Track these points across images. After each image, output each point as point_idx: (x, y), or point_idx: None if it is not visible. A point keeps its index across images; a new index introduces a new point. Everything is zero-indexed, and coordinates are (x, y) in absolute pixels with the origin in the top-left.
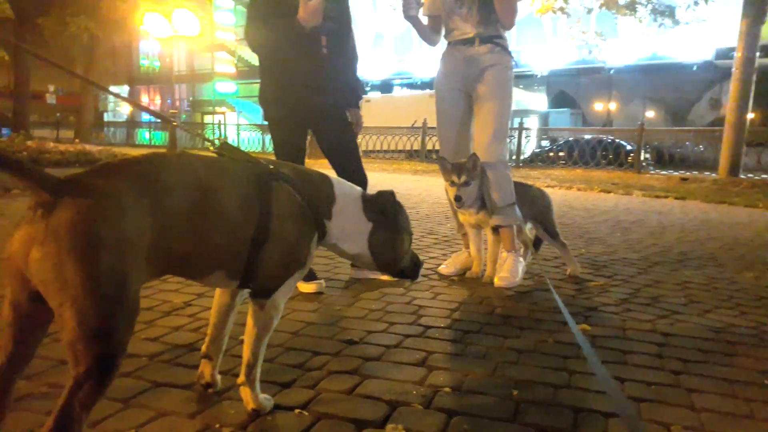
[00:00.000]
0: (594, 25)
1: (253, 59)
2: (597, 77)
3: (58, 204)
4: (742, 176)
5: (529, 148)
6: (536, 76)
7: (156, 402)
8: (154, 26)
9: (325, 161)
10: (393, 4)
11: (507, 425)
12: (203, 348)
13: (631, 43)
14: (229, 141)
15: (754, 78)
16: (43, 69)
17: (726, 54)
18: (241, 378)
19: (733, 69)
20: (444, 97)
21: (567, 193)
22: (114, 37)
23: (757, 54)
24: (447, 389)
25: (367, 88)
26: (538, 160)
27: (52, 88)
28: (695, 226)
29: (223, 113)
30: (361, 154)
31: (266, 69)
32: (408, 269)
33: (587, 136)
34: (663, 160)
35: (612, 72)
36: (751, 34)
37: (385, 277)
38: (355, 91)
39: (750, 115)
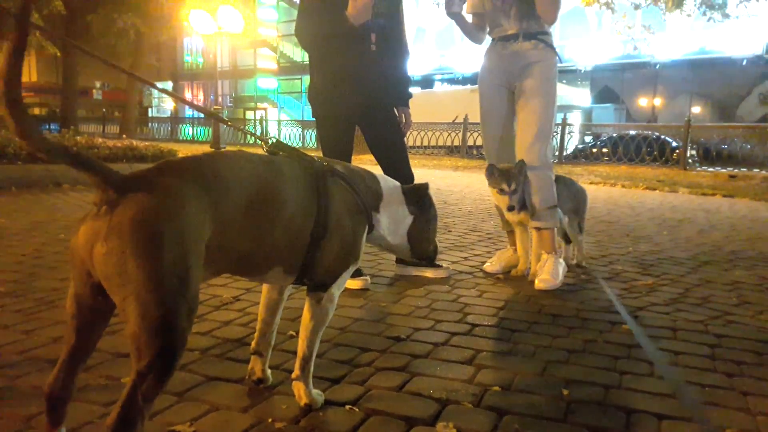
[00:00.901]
0: (640, 19)
1: (295, 55)
2: (642, 72)
3: (122, 201)
4: None
5: (571, 144)
6: (580, 71)
7: (209, 396)
8: (198, 23)
9: (370, 157)
10: (436, 0)
11: (558, 425)
12: (253, 344)
13: (678, 38)
14: (273, 137)
15: None
16: (89, 65)
17: None
18: (296, 372)
19: None
20: (487, 94)
21: (611, 191)
22: (159, 34)
23: None
24: (496, 388)
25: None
26: (582, 156)
27: (98, 84)
28: (745, 224)
29: (265, 109)
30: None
31: (315, 66)
32: (430, 254)
33: (632, 132)
34: (710, 156)
35: (657, 67)
36: None
37: (429, 274)
38: (404, 88)
39: None
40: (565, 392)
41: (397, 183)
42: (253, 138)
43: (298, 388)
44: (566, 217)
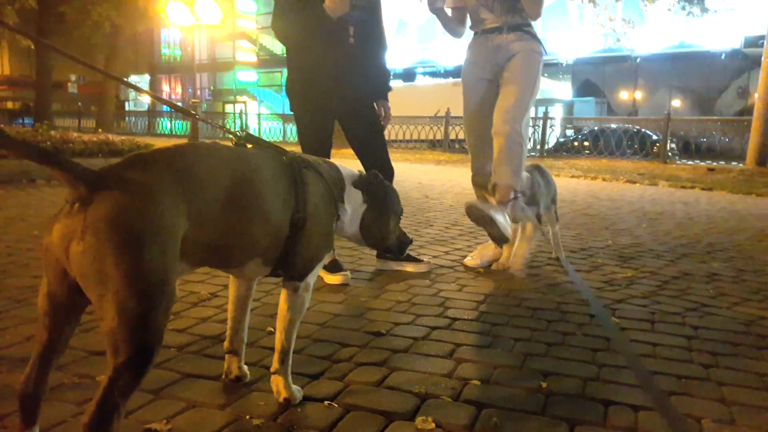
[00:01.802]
0: (620, 12)
1: (275, 48)
2: (623, 66)
3: (95, 198)
4: None
5: (553, 137)
6: (561, 64)
7: (186, 393)
8: (175, 14)
9: (350, 151)
10: None
11: (537, 418)
12: (226, 344)
13: (658, 32)
14: (251, 130)
15: None
16: (64, 58)
17: (755, 42)
18: (275, 366)
19: (763, 57)
20: (470, 87)
21: (592, 184)
22: (136, 26)
23: None
24: (476, 381)
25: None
26: (563, 149)
27: (73, 77)
28: (722, 217)
29: (244, 102)
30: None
31: (293, 60)
32: (394, 246)
33: (612, 126)
34: (689, 150)
35: (638, 60)
36: None
37: (410, 268)
38: (383, 82)
39: None
40: (544, 385)
41: (356, 171)
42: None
43: (277, 382)
44: (543, 208)
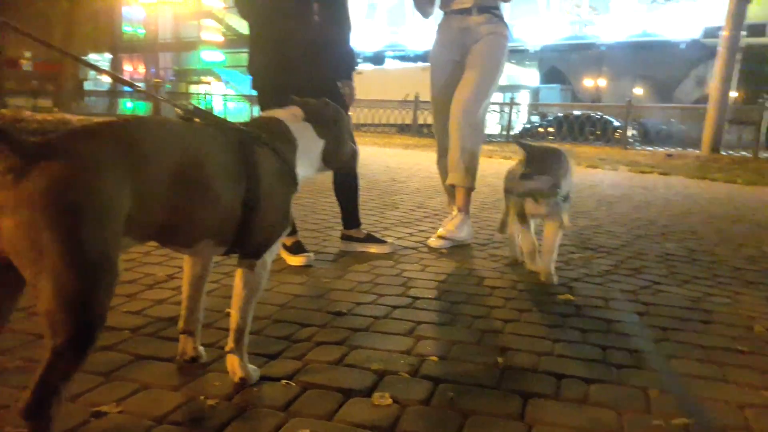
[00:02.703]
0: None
1: (242, 27)
2: (588, 53)
3: (31, 169)
4: (723, 153)
5: (519, 123)
6: (528, 51)
7: (138, 375)
8: None
9: None
10: None
11: (492, 391)
12: (181, 324)
13: (623, 20)
14: (217, 112)
15: (738, 57)
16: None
17: (714, 33)
18: (230, 345)
19: (718, 47)
20: (438, 68)
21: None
22: (95, 2)
23: (743, 33)
24: (434, 358)
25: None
26: (528, 135)
27: (28, 54)
28: (678, 200)
29: (210, 83)
30: (352, 127)
31: (255, 37)
32: (348, 163)
33: (576, 112)
34: (649, 136)
35: (603, 48)
36: (737, 13)
37: (374, 249)
38: (347, 61)
39: (734, 94)
40: (500, 360)
41: (299, 112)
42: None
43: (233, 361)
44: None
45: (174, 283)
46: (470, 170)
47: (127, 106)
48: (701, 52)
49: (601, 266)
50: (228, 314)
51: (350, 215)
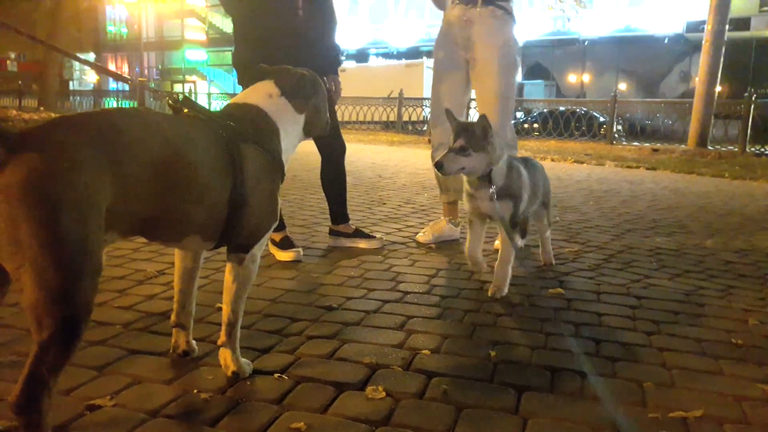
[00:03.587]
0: None
1: (225, 26)
2: (571, 49)
3: (10, 160)
4: (710, 147)
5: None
6: None
7: (131, 369)
8: None
9: None
10: None
11: (485, 385)
12: (173, 318)
13: (605, 15)
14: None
15: (723, 50)
16: (3, 35)
17: (696, 27)
18: (222, 338)
19: (703, 41)
20: (441, 61)
21: (541, 164)
22: (78, 2)
23: (727, 27)
24: (426, 351)
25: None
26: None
27: (13, 54)
28: (665, 195)
29: (194, 82)
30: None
31: (240, 32)
32: (325, 129)
33: (561, 108)
34: (635, 131)
35: (586, 44)
36: (721, 6)
37: (363, 245)
38: (333, 56)
39: (718, 88)
40: (492, 353)
41: (276, 90)
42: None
43: (225, 355)
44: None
45: (164, 279)
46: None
47: (112, 105)
48: (685, 46)
49: (592, 260)
50: (219, 309)
51: (338, 211)
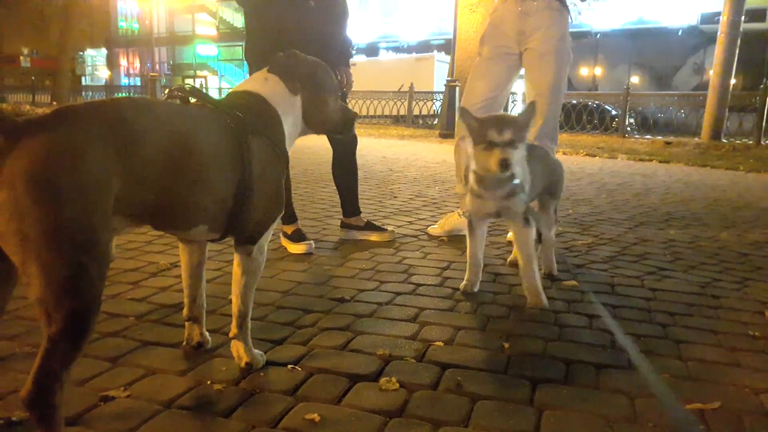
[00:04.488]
0: None
1: (236, 21)
2: (583, 42)
3: (14, 149)
4: (724, 140)
5: (515, 112)
6: None
7: (145, 360)
8: None
9: None
10: None
11: (500, 376)
12: (185, 311)
13: (618, 8)
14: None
15: (739, 42)
16: (16, 31)
17: (711, 19)
18: (233, 331)
19: (719, 33)
20: (488, 53)
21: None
22: None
23: (743, 18)
24: (439, 343)
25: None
26: None
27: (26, 51)
28: (679, 187)
29: (205, 77)
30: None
31: (252, 23)
32: (338, 125)
33: (573, 101)
34: (647, 124)
35: (598, 36)
36: None
37: (375, 237)
38: (344, 48)
39: (732, 81)
40: (506, 345)
41: (273, 76)
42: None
43: (237, 347)
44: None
45: (177, 271)
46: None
47: None
48: (699, 38)
49: (605, 253)
50: (231, 300)
51: (350, 203)
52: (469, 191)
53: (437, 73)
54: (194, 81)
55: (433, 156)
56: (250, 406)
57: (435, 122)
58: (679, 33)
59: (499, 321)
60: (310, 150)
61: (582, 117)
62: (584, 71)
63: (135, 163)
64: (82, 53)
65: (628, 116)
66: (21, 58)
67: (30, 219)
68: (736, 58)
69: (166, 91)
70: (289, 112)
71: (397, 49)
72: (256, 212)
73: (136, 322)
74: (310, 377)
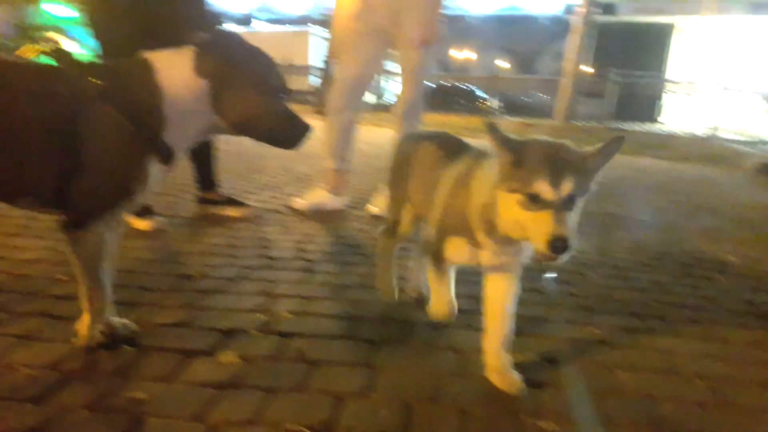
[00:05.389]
0: None
1: None
2: (456, 26)
3: None
4: (576, 123)
5: (389, 94)
6: None
7: None
8: None
9: None
10: None
11: (342, 341)
12: None
13: None
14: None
15: (593, 33)
16: None
17: (574, 9)
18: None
19: (574, 22)
20: (361, 27)
21: None
22: None
23: (597, 11)
24: (287, 314)
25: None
26: None
27: None
28: None
29: (58, 42)
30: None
31: None
32: (278, 133)
33: (445, 83)
34: (513, 107)
35: (470, 21)
36: None
37: (233, 213)
38: (204, 11)
39: (585, 68)
40: (352, 312)
41: (186, 51)
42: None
43: (82, 325)
44: None
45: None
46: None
47: None
48: (562, 27)
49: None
50: (58, 280)
51: (206, 176)
52: (452, 233)
53: (313, 47)
54: (44, 45)
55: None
56: (76, 386)
57: (309, 97)
58: (544, 21)
59: (348, 290)
60: None
61: (452, 99)
62: (456, 54)
63: None
64: None
65: (495, 99)
66: None
67: None
68: (588, 48)
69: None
70: (186, 94)
71: (274, 22)
72: (85, 189)
73: None
74: (144, 354)
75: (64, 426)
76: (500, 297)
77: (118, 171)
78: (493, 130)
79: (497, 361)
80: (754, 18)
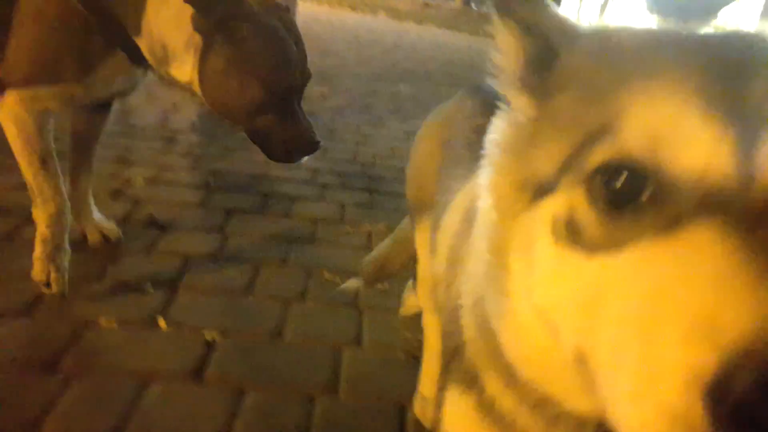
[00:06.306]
0: None
1: None
2: None
3: None
4: (474, 7)
5: None
6: None
7: None
8: None
9: None
10: None
11: (196, 209)
12: None
13: None
14: None
15: None
16: None
17: None
18: None
19: None
20: None
21: (314, 8)
22: None
23: None
24: (141, 181)
25: None
26: None
27: None
28: (424, 47)
29: None
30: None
31: None
32: (275, 144)
33: None
34: None
35: None
36: None
37: None
38: None
39: None
40: (211, 180)
41: None
42: None
43: None
44: None
45: None
46: None
47: None
48: None
49: (336, 101)
50: None
51: None
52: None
53: None
54: None
55: None
56: None
57: None
58: None
59: (209, 161)
60: None
61: None
62: None
63: None
64: None
65: None
66: None
67: None
68: None
69: None
70: (170, 24)
71: None
72: (12, 51)
73: None
74: None
75: None
76: None
77: (44, 44)
78: None
79: None
80: None
